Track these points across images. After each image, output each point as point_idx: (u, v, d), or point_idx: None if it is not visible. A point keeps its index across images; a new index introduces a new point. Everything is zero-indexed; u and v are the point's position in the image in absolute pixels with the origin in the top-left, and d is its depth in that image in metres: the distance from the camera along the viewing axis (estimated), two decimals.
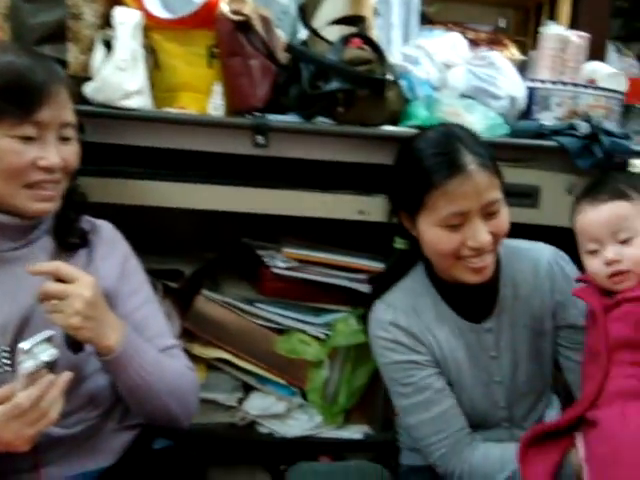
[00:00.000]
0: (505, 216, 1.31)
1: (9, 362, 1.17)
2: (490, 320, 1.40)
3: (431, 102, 1.71)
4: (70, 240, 1.29)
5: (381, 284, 1.46)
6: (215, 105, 1.65)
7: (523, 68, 2.01)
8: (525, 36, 2.65)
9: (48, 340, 1.09)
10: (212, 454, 1.81)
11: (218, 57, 1.66)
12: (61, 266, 1.16)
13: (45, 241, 1.27)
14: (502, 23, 2.62)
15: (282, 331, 1.86)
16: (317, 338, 1.85)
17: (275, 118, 1.65)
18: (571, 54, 1.96)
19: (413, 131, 1.71)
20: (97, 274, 1.25)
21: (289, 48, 1.71)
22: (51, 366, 1.09)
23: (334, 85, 1.62)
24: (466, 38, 1.98)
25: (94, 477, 1.28)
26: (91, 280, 1.17)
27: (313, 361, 1.84)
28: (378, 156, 1.69)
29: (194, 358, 1.75)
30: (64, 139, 1.22)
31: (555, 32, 1.96)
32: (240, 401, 1.90)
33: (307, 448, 1.93)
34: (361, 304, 1.88)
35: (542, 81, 1.85)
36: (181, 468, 1.32)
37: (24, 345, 1.05)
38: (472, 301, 1.39)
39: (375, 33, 1.89)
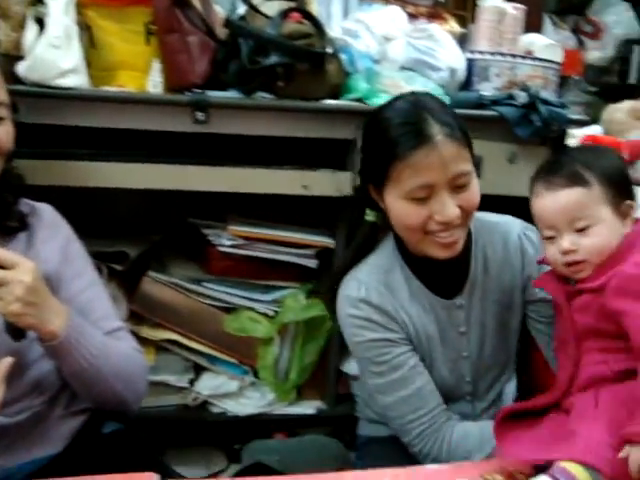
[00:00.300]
0: (475, 190, 1.25)
1: None
2: (461, 296, 1.37)
3: (371, 75, 1.71)
4: (8, 224, 1.26)
5: (350, 259, 1.41)
6: (154, 83, 1.63)
7: (463, 41, 2.03)
8: (465, 10, 2.66)
9: None
10: (166, 436, 1.80)
11: (155, 34, 1.63)
12: None
13: None
14: None
15: (231, 310, 1.85)
16: (266, 315, 1.84)
17: (215, 94, 1.64)
18: (508, 26, 1.99)
19: (354, 104, 1.73)
20: (38, 258, 1.21)
21: (227, 23, 1.68)
22: None
23: (273, 59, 1.61)
24: (405, 12, 1.99)
25: (43, 465, 1.25)
26: (31, 265, 1.14)
27: (263, 338, 1.83)
28: (320, 130, 1.69)
29: (142, 340, 1.73)
30: None
31: (492, 4, 1.98)
32: (191, 382, 1.89)
33: (261, 426, 1.93)
34: (309, 279, 1.90)
35: (481, 52, 1.88)
36: (133, 452, 1.31)
37: None
38: (443, 277, 1.35)
39: (315, 7, 1.89)
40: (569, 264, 1.14)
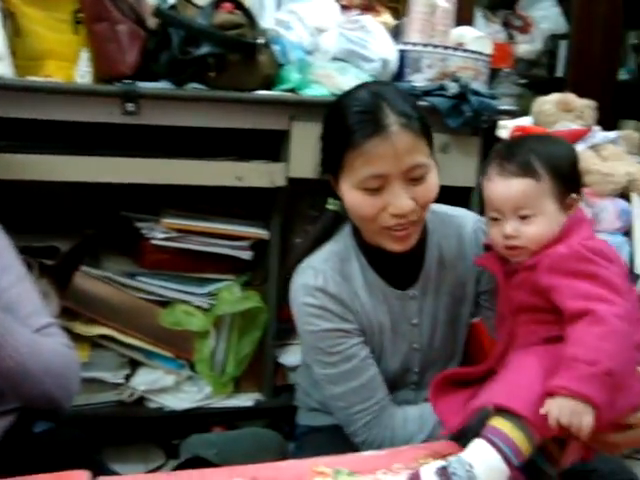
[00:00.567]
0: (432, 183, 1.24)
1: None
2: (415, 287, 1.36)
3: (304, 66, 1.71)
4: None
5: (309, 247, 1.38)
6: (82, 73, 1.60)
7: (397, 33, 2.05)
8: (398, 2, 2.69)
9: None
10: (102, 434, 1.77)
11: (83, 22, 1.60)
12: None
13: None
14: None
15: (166, 303, 1.83)
16: (201, 308, 1.83)
17: (145, 85, 1.61)
18: (440, 18, 2.02)
19: (286, 95, 1.73)
20: None
21: (158, 13, 1.66)
22: None
23: (204, 50, 1.59)
24: (339, 4, 1.99)
25: None
26: None
27: (199, 332, 1.82)
28: (252, 121, 1.68)
29: (76, 337, 1.70)
30: None
31: None
32: (127, 378, 1.86)
33: (199, 420, 1.92)
34: (244, 271, 1.89)
35: (413, 44, 1.90)
36: (65, 451, 1.28)
37: None
38: (398, 268, 1.34)
39: None
40: (509, 247, 1.19)
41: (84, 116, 1.60)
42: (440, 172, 1.28)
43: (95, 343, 1.83)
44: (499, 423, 1.02)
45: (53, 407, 1.27)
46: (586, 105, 2.44)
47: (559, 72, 3.16)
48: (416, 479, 0.98)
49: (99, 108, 1.60)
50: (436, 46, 1.90)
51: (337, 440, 1.36)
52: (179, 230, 1.78)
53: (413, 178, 1.20)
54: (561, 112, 2.39)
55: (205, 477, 1.04)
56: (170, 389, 1.88)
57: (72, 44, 1.60)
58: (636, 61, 3.41)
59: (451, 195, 1.47)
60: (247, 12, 1.70)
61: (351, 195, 1.22)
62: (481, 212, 1.58)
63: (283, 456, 1.45)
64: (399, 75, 1.87)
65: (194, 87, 1.64)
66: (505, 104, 2.14)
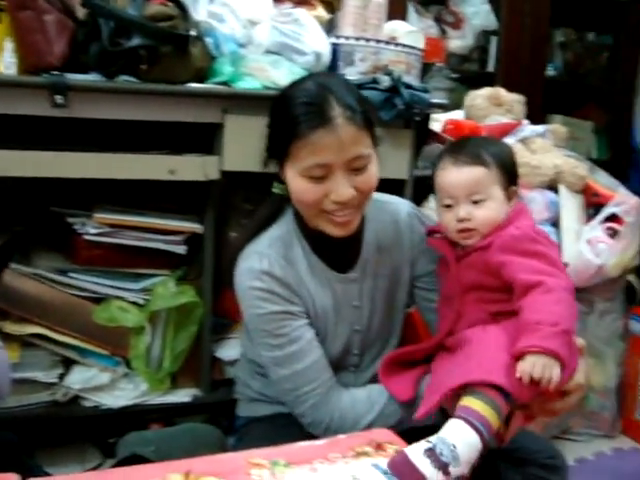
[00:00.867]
0: (373, 174, 1.29)
1: None
2: (355, 270, 1.42)
3: (236, 58, 1.71)
4: None
5: (255, 230, 1.40)
6: (6, 63, 1.55)
7: (331, 27, 2.06)
8: None
9: None
10: (35, 436, 1.73)
11: (6, 11, 1.55)
12: None
13: None
14: None
15: (99, 300, 1.80)
16: (136, 304, 1.80)
17: (75, 77, 1.58)
18: (373, 12, 2.04)
19: (219, 88, 1.72)
20: None
21: (86, 3, 1.62)
22: None
23: (135, 41, 1.57)
24: None
25: None
26: None
27: (134, 328, 1.79)
28: (185, 114, 1.67)
29: (6, 337, 1.66)
30: None
31: None
32: (61, 377, 1.82)
33: (136, 417, 1.89)
34: (179, 266, 1.87)
35: (346, 37, 1.91)
36: None
37: None
38: (338, 252, 1.40)
39: None
40: (461, 230, 1.31)
41: (10, 108, 1.55)
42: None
43: (26, 342, 1.78)
44: (471, 402, 1.10)
45: None
46: (516, 100, 2.51)
47: (490, 67, 3.22)
48: (404, 460, 1.01)
49: (26, 100, 1.55)
50: (369, 40, 1.92)
51: (278, 429, 1.39)
52: (112, 225, 1.75)
53: (355, 168, 1.26)
54: (492, 106, 2.45)
55: (138, 473, 1.02)
56: (106, 387, 1.84)
57: None
58: (563, 58, 3.51)
59: (384, 187, 1.49)
60: (179, 4, 1.68)
61: (296, 182, 1.27)
62: (414, 203, 1.62)
63: (223, 451, 1.43)
64: (332, 68, 1.87)
65: (125, 79, 1.61)
66: (437, 98, 2.18)
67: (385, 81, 1.77)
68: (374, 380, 1.47)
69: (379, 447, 1.10)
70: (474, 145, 1.36)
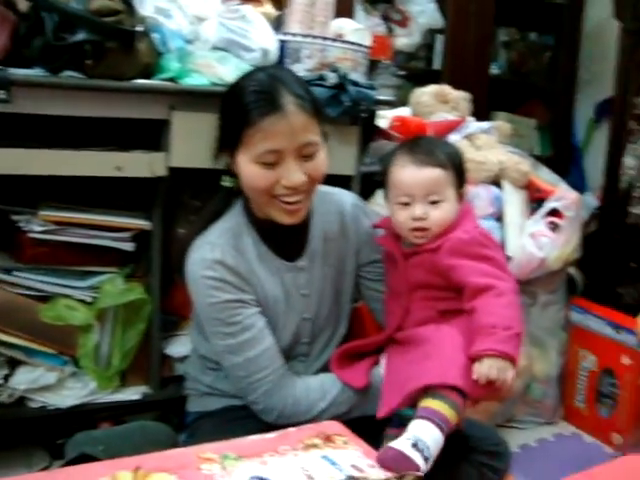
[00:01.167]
0: (322, 160, 1.34)
1: None
2: (303, 259, 1.45)
3: (183, 55, 1.70)
4: None
5: (205, 223, 1.43)
6: None
7: (278, 24, 2.07)
8: None
9: None
10: None
11: None
12: None
13: None
14: None
15: (46, 298, 1.77)
16: (84, 302, 1.78)
17: (17, 72, 1.55)
18: (320, 10, 2.05)
19: (166, 84, 1.71)
20: None
21: None
22: None
23: (80, 36, 1.55)
24: None
25: None
26: None
27: (82, 326, 1.77)
28: (131, 110, 1.66)
29: None
30: None
31: None
32: (6, 378, 1.78)
33: (85, 417, 1.87)
34: (127, 263, 1.86)
35: (293, 34, 1.92)
36: None
37: None
38: (287, 241, 1.43)
39: None
40: (416, 229, 1.35)
41: None
42: None
43: None
44: (434, 404, 1.16)
45: None
46: (461, 97, 2.55)
47: (436, 65, 3.26)
48: (398, 454, 1.06)
49: None
50: (316, 37, 1.93)
51: (229, 423, 1.41)
52: (58, 223, 1.73)
53: (305, 155, 1.31)
54: (438, 103, 2.49)
55: (87, 472, 1.02)
56: (53, 387, 1.82)
57: None
58: (506, 57, 3.58)
59: (332, 183, 1.52)
60: None
61: (248, 168, 1.31)
62: (362, 199, 1.65)
63: (174, 448, 1.43)
64: (279, 65, 1.88)
65: (70, 75, 1.59)
66: (384, 95, 2.21)
67: (331, 78, 1.79)
68: (323, 370, 1.51)
69: (328, 439, 1.12)
70: (432, 146, 1.41)
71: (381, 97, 2.03)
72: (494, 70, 3.49)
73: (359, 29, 2.14)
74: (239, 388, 1.41)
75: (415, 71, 3.13)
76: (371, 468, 1.03)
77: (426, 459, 1.07)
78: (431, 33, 3.23)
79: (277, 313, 1.43)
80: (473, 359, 1.21)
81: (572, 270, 2.57)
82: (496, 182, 2.35)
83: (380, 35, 2.89)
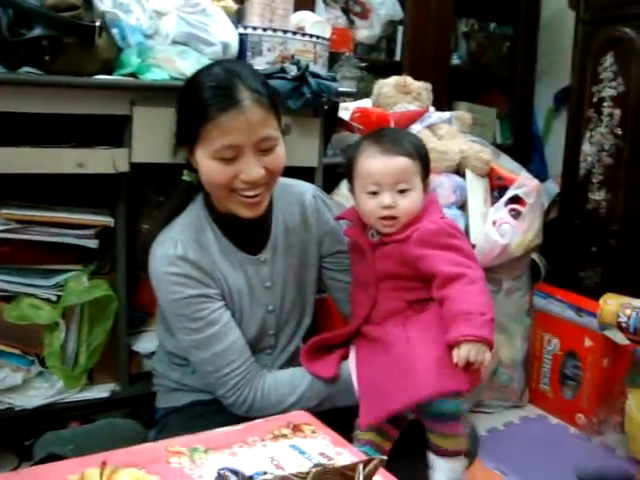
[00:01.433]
0: (280, 154, 1.35)
1: None
2: (265, 252, 1.46)
3: (143, 49, 1.69)
4: None
5: (166, 218, 1.43)
6: None
7: (239, 17, 2.06)
8: None
9: None
10: None
11: None
12: None
13: None
14: None
15: (10, 298, 1.75)
16: (49, 300, 1.76)
17: None
18: (279, 2, 2.06)
19: (126, 79, 1.69)
20: None
21: None
22: None
23: (37, 32, 1.52)
24: None
25: None
26: None
27: (47, 325, 1.75)
28: (92, 106, 1.64)
29: None
30: None
31: None
32: None
33: (53, 416, 1.85)
34: (91, 260, 1.84)
35: (253, 28, 1.92)
36: None
37: None
38: (249, 234, 1.43)
39: None
40: (384, 217, 1.36)
41: None
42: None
43: None
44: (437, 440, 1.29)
45: None
46: (422, 87, 2.58)
47: (397, 56, 3.28)
48: None
49: None
50: (276, 30, 1.94)
51: (198, 417, 1.42)
52: (20, 221, 1.70)
53: (264, 149, 1.31)
54: (399, 94, 2.50)
55: (55, 471, 1.01)
56: (19, 387, 1.79)
57: None
58: (467, 47, 3.62)
59: (295, 175, 1.52)
60: None
61: (207, 164, 1.31)
62: (324, 191, 1.66)
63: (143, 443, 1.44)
64: (240, 59, 1.87)
65: (28, 71, 1.57)
66: (346, 86, 2.23)
67: (292, 70, 1.79)
68: (290, 363, 1.52)
69: (296, 429, 1.13)
70: (397, 135, 1.43)
71: (343, 89, 2.05)
72: (454, 60, 3.53)
73: (319, 21, 2.15)
74: (207, 383, 1.41)
75: (376, 63, 3.15)
76: (339, 455, 1.05)
77: None
78: (392, 25, 3.25)
79: (242, 306, 1.43)
80: (452, 346, 1.24)
81: (535, 256, 2.61)
82: (458, 171, 2.38)
83: (341, 27, 2.91)
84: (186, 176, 1.45)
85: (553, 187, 3.24)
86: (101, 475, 0.93)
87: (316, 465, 0.97)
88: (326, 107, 1.95)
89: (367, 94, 2.58)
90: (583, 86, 2.74)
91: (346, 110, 2.26)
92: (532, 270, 2.60)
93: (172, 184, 1.47)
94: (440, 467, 1.28)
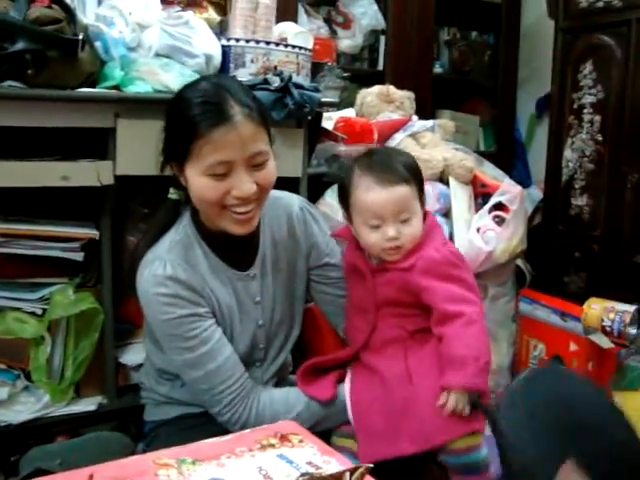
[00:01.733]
0: (271, 169, 1.34)
1: None
2: (254, 267, 1.45)
3: (127, 62, 1.70)
4: None
5: (153, 236, 1.41)
6: None
7: (222, 29, 2.08)
8: None
9: None
10: None
11: None
12: None
13: None
14: None
15: None
16: (35, 314, 1.75)
17: None
18: (262, 14, 2.06)
19: (110, 92, 1.70)
20: None
21: None
22: None
23: (20, 46, 1.53)
24: None
25: None
26: None
27: (33, 339, 1.74)
28: (76, 119, 1.64)
29: None
30: None
31: None
32: None
33: (40, 431, 1.83)
34: (77, 273, 1.84)
35: (236, 39, 1.93)
36: None
37: None
38: (237, 250, 1.42)
39: None
40: (390, 249, 1.34)
41: None
42: None
43: None
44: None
45: None
46: (405, 96, 2.59)
47: (380, 66, 3.31)
48: None
49: None
50: (259, 41, 1.95)
51: (187, 430, 1.41)
52: (5, 235, 1.70)
53: (255, 164, 1.30)
54: (383, 103, 2.52)
55: None
56: (5, 402, 1.78)
57: None
58: (449, 56, 3.65)
59: (279, 185, 1.53)
60: (65, 6, 1.65)
61: (198, 181, 1.29)
62: (309, 201, 1.66)
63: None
64: (223, 70, 1.89)
65: (11, 85, 1.57)
66: (329, 96, 2.24)
67: (275, 82, 1.80)
68: (278, 373, 1.52)
69: (284, 438, 1.13)
70: (389, 160, 1.39)
71: (326, 99, 2.06)
72: (437, 69, 3.56)
73: (302, 32, 2.16)
74: (202, 400, 1.40)
75: (359, 72, 3.17)
76: (327, 464, 1.05)
77: None
78: (374, 34, 3.28)
79: (232, 322, 1.43)
80: (443, 388, 1.26)
81: (520, 262, 2.63)
82: (442, 179, 2.39)
83: (323, 38, 2.93)
84: (172, 194, 1.43)
85: (536, 193, 3.27)
86: None
87: (304, 474, 0.98)
88: (309, 117, 1.97)
89: (350, 104, 2.59)
90: (564, 93, 2.78)
91: (330, 120, 2.27)
92: (517, 276, 2.62)
93: (158, 196, 1.47)
94: None
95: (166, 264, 1.33)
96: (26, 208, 1.78)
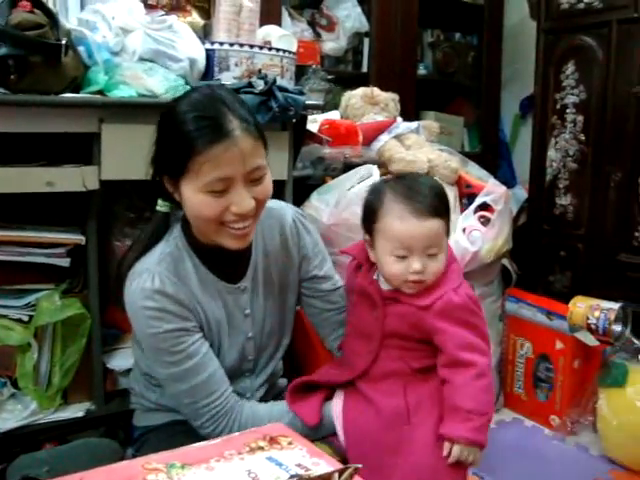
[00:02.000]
0: (268, 182, 1.31)
1: None
2: (245, 280, 1.42)
3: (110, 67, 1.69)
4: None
5: (142, 249, 1.38)
6: None
7: (206, 33, 2.08)
8: (207, 2, 2.71)
9: None
10: None
11: None
12: None
13: None
14: None
15: None
16: (20, 321, 1.74)
17: None
18: (245, 17, 2.07)
19: (94, 97, 1.70)
20: None
21: None
22: None
23: (2, 51, 1.53)
24: (147, 3, 1.98)
25: None
26: None
27: (19, 345, 1.74)
28: (60, 125, 1.64)
29: None
30: None
31: None
32: None
33: (28, 439, 1.82)
34: (63, 279, 1.83)
35: (220, 43, 1.93)
36: None
37: None
38: (229, 263, 1.39)
39: None
40: (413, 282, 1.30)
41: None
42: None
43: None
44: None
45: None
46: (390, 98, 2.61)
47: (364, 68, 3.32)
48: None
49: None
50: (243, 45, 1.95)
51: (176, 436, 1.38)
52: None
53: (253, 179, 1.27)
54: (367, 105, 2.53)
55: None
56: None
57: None
58: (432, 58, 3.67)
59: None
60: (48, 11, 1.65)
61: (195, 198, 1.25)
62: (295, 203, 1.67)
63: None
64: (207, 74, 1.90)
65: None
66: (314, 99, 2.25)
67: (260, 85, 1.80)
68: (268, 381, 1.52)
69: (273, 441, 1.13)
70: (428, 190, 1.33)
71: (310, 102, 2.06)
72: (421, 71, 3.58)
73: (286, 35, 2.17)
74: (185, 413, 1.39)
75: (343, 75, 3.19)
76: (316, 466, 1.05)
77: None
78: (358, 37, 3.29)
79: (221, 336, 1.41)
80: (445, 438, 1.26)
81: (506, 262, 2.65)
82: None
83: (307, 40, 2.94)
84: (161, 206, 1.39)
85: (521, 193, 3.29)
86: None
87: (293, 476, 0.98)
88: (294, 120, 1.97)
89: (335, 106, 2.60)
90: (546, 94, 2.80)
91: (314, 122, 2.28)
92: (503, 275, 2.63)
93: (144, 200, 1.47)
94: None
95: (154, 277, 1.30)
96: (11, 214, 1.77)
